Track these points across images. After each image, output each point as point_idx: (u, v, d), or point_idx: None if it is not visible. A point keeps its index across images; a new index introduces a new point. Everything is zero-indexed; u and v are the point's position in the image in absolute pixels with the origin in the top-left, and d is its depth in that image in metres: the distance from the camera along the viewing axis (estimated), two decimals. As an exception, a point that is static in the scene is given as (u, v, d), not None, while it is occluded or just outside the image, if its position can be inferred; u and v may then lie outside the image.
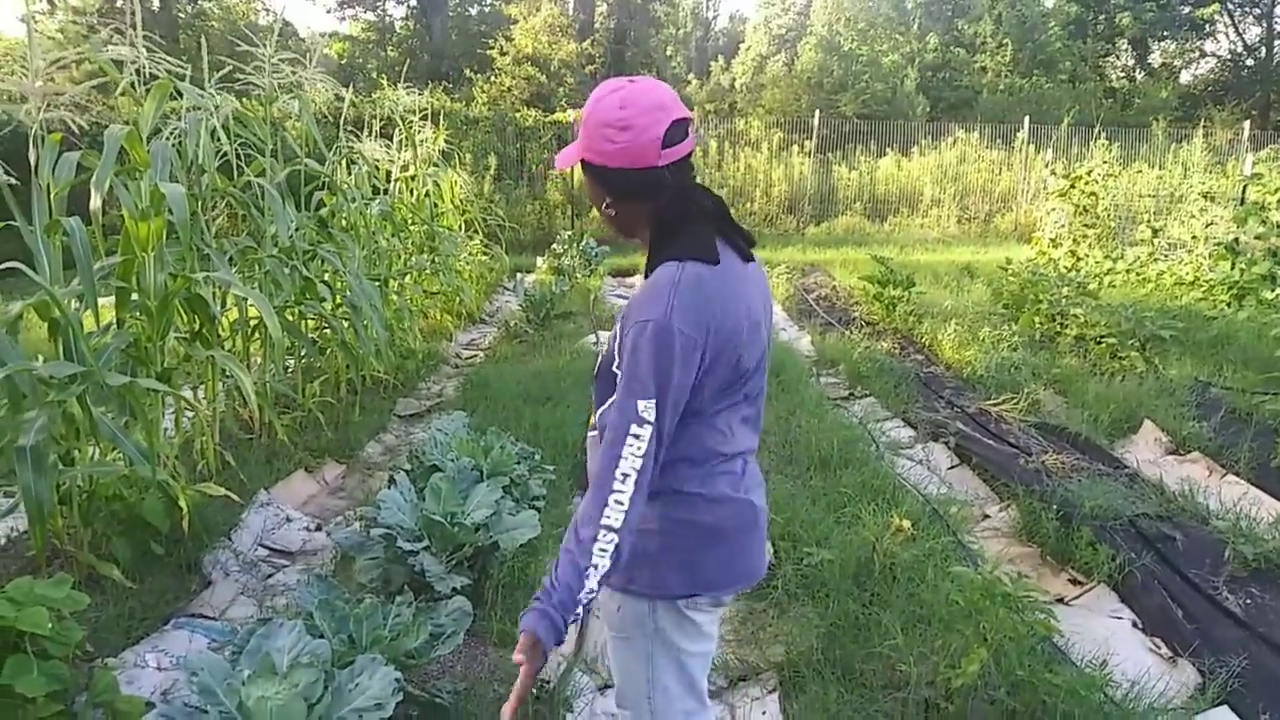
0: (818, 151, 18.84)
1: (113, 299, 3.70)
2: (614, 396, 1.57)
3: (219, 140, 4.80)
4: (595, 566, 1.47)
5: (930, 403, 6.10)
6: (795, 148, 18.95)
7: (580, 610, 1.48)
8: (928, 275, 10.86)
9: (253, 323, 5.06)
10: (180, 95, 4.24)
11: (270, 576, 3.82)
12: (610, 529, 1.48)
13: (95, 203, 3.38)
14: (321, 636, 2.36)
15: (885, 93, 23.43)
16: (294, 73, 5.11)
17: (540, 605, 1.48)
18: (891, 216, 17.98)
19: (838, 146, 19.55)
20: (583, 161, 1.63)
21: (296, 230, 5.20)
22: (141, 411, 3.28)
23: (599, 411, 1.70)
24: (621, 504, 1.48)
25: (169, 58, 3.96)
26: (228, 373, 4.08)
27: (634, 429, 1.50)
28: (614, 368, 1.60)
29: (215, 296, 4.30)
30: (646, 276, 1.65)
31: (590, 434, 1.79)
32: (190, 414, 4.53)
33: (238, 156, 5.07)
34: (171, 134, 4.38)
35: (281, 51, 5.19)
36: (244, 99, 5.13)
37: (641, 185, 1.60)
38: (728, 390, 1.64)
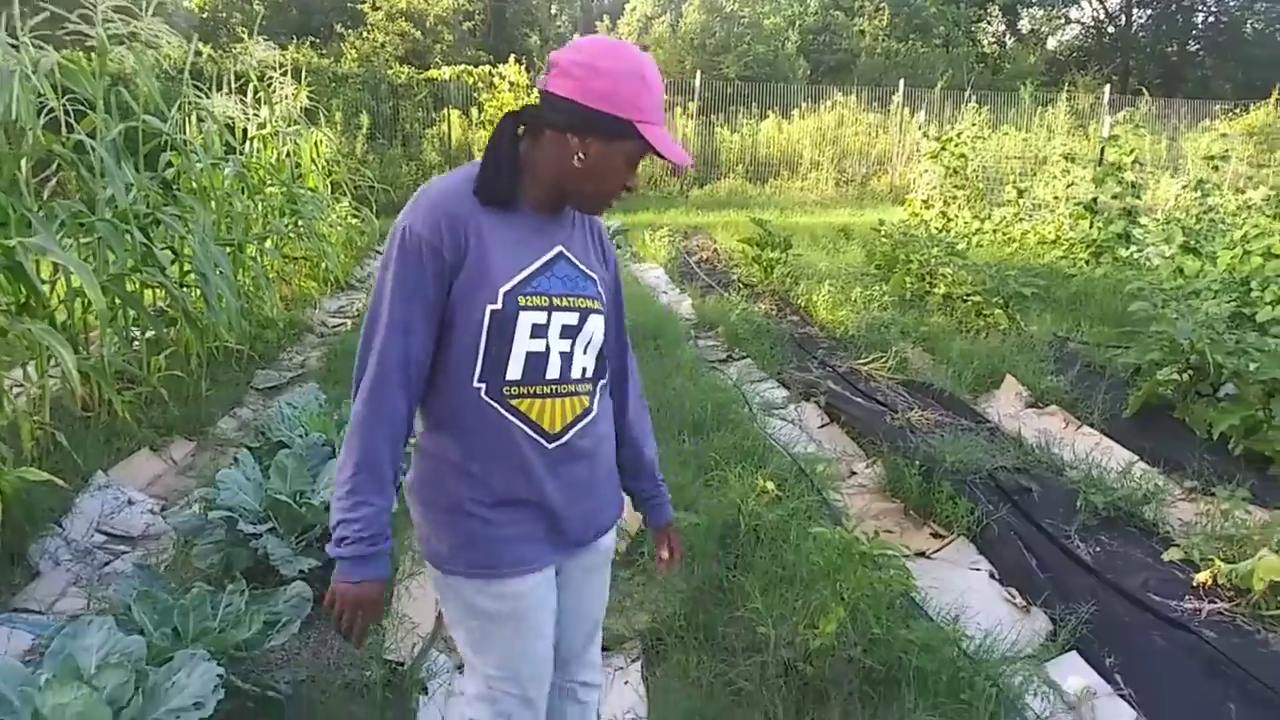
0: (701, 113, 18.81)
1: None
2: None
3: (43, 96, 4.41)
4: None
5: (804, 363, 6.16)
6: (679, 109, 18.87)
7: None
8: (806, 237, 10.99)
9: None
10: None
11: (107, 564, 3.56)
12: None
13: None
14: (140, 632, 2.18)
15: (767, 55, 23.49)
16: (127, 21, 4.70)
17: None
18: (773, 179, 18.12)
19: (720, 109, 19.56)
20: None
21: (136, 192, 4.83)
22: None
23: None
24: None
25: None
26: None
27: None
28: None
29: (37, 264, 3.95)
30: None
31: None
32: (19, 391, 4.18)
33: (67, 114, 4.67)
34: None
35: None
36: (88, 52, 4.74)
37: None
38: None
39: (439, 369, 1.58)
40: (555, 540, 1.69)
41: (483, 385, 1.57)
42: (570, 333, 1.62)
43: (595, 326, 1.66)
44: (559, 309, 1.60)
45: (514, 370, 1.57)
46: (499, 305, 1.54)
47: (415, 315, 1.52)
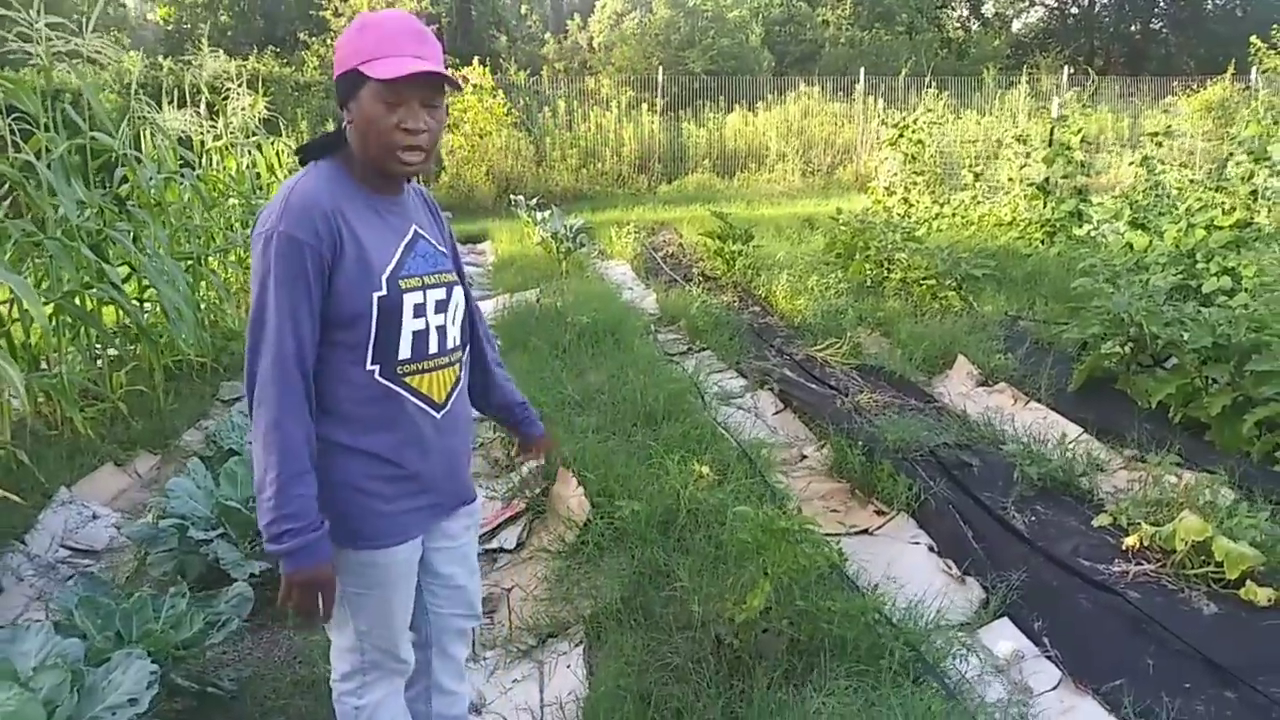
0: (667, 109, 18.90)
1: None
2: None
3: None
4: None
5: (762, 352, 6.26)
6: (645, 106, 18.95)
7: None
8: (771, 229, 11.08)
9: (47, 313, 4.74)
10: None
11: (70, 578, 3.62)
12: None
13: None
14: (83, 636, 2.25)
15: (732, 48, 23.61)
16: (66, 40, 4.75)
17: None
18: (740, 172, 18.19)
19: (687, 104, 19.69)
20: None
21: (88, 209, 4.88)
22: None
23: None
24: None
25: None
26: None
27: None
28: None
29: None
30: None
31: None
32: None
33: (13, 133, 4.72)
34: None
35: (82, 17, 4.84)
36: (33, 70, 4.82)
37: None
38: None
39: (323, 360, 1.67)
40: (431, 510, 1.84)
41: (376, 367, 1.69)
42: (442, 307, 1.77)
43: (459, 298, 1.84)
44: (430, 287, 1.75)
45: (404, 350, 1.71)
46: (384, 292, 1.66)
47: (303, 315, 1.60)
